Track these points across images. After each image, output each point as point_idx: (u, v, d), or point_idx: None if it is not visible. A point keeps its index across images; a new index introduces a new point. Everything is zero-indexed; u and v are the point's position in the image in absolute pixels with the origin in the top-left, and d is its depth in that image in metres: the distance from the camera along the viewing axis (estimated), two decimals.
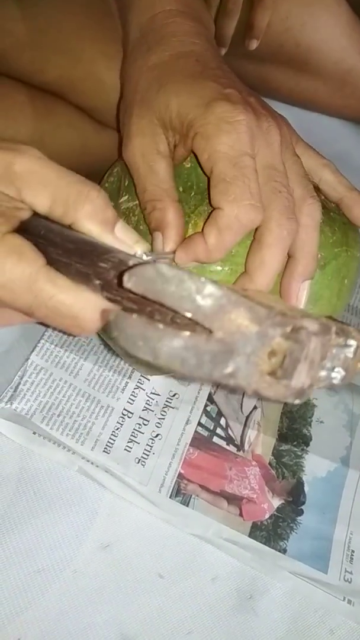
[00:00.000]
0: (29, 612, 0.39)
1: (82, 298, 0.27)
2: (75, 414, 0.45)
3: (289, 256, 0.36)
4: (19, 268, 0.27)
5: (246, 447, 0.49)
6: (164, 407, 0.49)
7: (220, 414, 0.50)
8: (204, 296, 0.25)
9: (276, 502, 0.47)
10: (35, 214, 0.30)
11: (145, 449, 0.46)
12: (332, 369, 0.27)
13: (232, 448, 0.49)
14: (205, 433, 0.48)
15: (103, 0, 0.50)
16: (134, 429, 0.47)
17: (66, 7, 0.49)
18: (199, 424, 0.49)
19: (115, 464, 0.44)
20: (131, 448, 0.46)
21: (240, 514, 0.46)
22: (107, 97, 0.47)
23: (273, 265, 0.34)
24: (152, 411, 0.48)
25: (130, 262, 0.27)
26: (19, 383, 0.45)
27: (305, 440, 0.51)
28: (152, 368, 0.45)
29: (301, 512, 0.48)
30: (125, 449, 0.45)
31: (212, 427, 0.49)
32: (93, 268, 0.28)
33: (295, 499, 0.48)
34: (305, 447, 0.51)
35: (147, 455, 0.46)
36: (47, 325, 0.46)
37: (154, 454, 0.46)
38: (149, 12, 0.41)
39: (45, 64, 0.48)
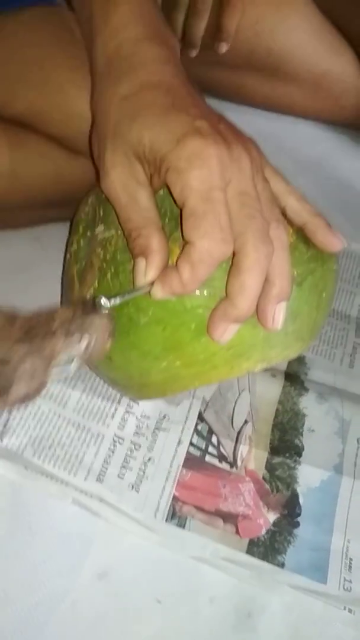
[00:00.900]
0: None
1: None
2: (66, 445, 0.46)
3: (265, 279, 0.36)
4: None
5: (239, 463, 0.50)
6: (154, 430, 0.49)
7: (211, 431, 0.50)
8: None
9: (272, 517, 0.48)
10: None
11: (138, 474, 0.46)
12: (67, 363, 0.29)
13: (225, 465, 0.49)
14: (197, 453, 0.49)
15: (67, 27, 0.50)
16: (126, 454, 0.47)
17: (29, 38, 0.49)
18: (191, 443, 0.49)
19: (109, 492, 0.45)
20: (124, 475, 0.46)
21: (237, 532, 0.46)
22: (77, 125, 0.47)
23: (253, 288, 0.35)
24: (143, 435, 0.48)
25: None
26: (8, 419, 0.45)
27: (297, 451, 0.52)
28: (143, 393, 0.46)
29: (297, 525, 0.48)
30: (118, 476, 0.46)
31: (203, 446, 0.49)
32: None
33: (290, 511, 0.48)
34: (297, 458, 0.51)
35: (141, 480, 0.46)
36: None
37: (147, 478, 0.46)
38: (115, 39, 0.41)
39: (12, 96, 0.48)
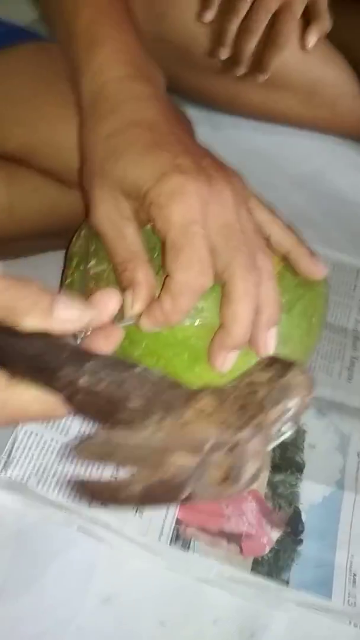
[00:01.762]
0: None
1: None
2: (69, 472, 0.47)
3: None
4: None
5: None
6: None
7: None
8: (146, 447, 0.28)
9: (275, 535, 0.48)
10: None
11: None
12: (281, 431, 0.29)
13: None
14: None
15: (55, 62, 0.51)
16: None
17: (15, 79, 0.50)
18: None
19: (114, 518, 0.45)
20: None
21: (241, 551, 0.47)
22: (68, 160, 0.48)
23: (245, 316, 0.36)
24: None
25: (80, 382, 0.29)
26: (11, 449, 0.46)
27: (298, 468, 0.52)
28: None
29: (300, 542, 0.49)
30: None
31: None
32: (51, 385, 0.30)
33: (293, 529, 0.49)
34: (299, 475, 0.52)
35: None
36: None
37: None
38: (100, 78, 0.42)
39: (6, 134, 0.50)
